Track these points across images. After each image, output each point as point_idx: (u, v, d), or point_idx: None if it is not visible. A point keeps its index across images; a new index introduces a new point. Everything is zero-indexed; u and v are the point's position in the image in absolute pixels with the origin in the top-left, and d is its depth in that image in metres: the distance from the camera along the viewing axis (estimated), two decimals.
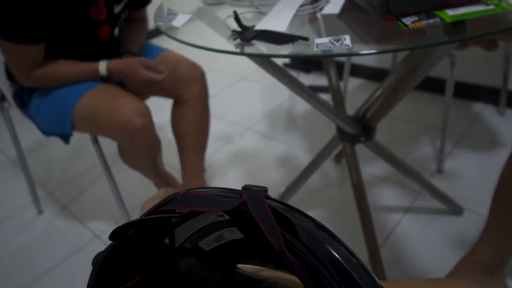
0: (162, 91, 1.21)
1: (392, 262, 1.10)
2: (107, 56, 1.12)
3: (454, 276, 0.97)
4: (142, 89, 1.10)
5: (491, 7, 0.57)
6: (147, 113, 1.06)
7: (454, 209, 1.23)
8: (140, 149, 1.11)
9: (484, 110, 1.67)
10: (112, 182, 1.21)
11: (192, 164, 1.25)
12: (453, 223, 1.20)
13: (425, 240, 1.16)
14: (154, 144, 1.14)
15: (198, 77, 1.21)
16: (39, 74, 1.04)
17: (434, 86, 1.75)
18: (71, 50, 1.10)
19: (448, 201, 1.23)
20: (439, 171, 1.40)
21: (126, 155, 1.22)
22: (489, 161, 1.40)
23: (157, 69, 1.07)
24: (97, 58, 1.09)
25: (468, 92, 1.71)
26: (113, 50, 1.19)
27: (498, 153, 1.42)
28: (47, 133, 1.16)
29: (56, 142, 1.84)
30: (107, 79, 1.09)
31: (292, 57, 0.61)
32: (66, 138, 1.15)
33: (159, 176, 1.29)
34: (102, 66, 1.07)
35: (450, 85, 1.29)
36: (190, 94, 1.21)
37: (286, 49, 0.66)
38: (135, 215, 1.37)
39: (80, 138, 1.49)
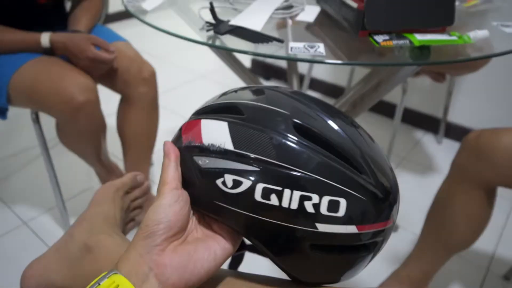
0: (109, 83, 1.12)
1: None
2: (45, 24, 1.02)
3: None
4: (87, 70, 1.01)
5: (454, 38, 0.61)
6: (92, 88, 0.98)
7: None
8: (83, 128, 1.02)
9: (424, 137, 1.79)
10: (50, 166, 1.12)
11: (136, 166, 1.19)
12: (389, 239, 1.26)
13: None
14: (98, 123, 1.04)
15: (147, 77, 1.13)
16: None
17: (384, 109, 1.85)
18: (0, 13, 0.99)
19: None
20: None
21: (65, 135, 1.09)
22: (425, 184, 1.50)
23: (107, 48, 1.00)
24: (31, 26, 0.99)
25: (412, 118, 1.83)
26: (54, 18, 1.08)
27: (433, 177, 1.53)
28: None
29: None
30: (49, 53, 1.00)
31: (270, 57, 0.61)
32: (1, 112, 1.04)
33: (102, 163, 1.19)
34: (45, 38, 0.97)
35: (400, 110, 1.37)
36: (137, 94, 1.13)
37: (259, 48, 0.66)
38: (71, 204, 1.28)
39: (16, 116, 1.36)
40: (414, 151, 1.70)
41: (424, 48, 0.62)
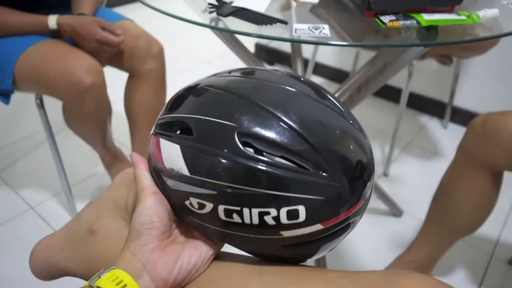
0: (117, 62, 1.12)
1: (333, 258, 1.14)
2: (46, 4, 1.02)
3: None
4: (94, 52, 1.01)
5: (463, 17, 0.60)
6: (99, 71, 0.98)
7: (395, 211, 1.30)
8: (89, 110, 1.02)
9: (430, 122, 1.78)
10: (56, 151, 1.12)
11: (143, 143, 1.19)
12: (393, 224, 1.27)
13: (365, 238, 1.21)
14: (104, 107, 1.05)
15: (155, 53, 1.13)
16: None
17: (389, 94, 1.83)
18: None
19: (391, 203, 1.29)
20: (385, 174, 1.47)
21: (72, 118, 1.10)
22: (430, 169, 1.49)
23: (114, 31, 1.00)
24: (32, 6, 0.99)
25: (418, 103, 1.81)
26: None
27: (438, 162, 1.52)
28: None
29: None
30: (56, 36, 0.99)
31: (274, 39, 0.60)
32: (6, 96, 1.04)
33: (107, 148, 1.20)
34: (52, 20, 0.97)
35: (405, 95, 1.35)
36: (146, 70, 1.13)
37: (263, 30, 0.65)
38: (77, 189, 1.29)
39: (21, 101, 1.37)
40: (419, 136, 1.68)
41: (432, 29, 0.61)
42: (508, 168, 0.82)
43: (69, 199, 1.20)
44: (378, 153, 1.58)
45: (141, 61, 1.12)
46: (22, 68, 0.96)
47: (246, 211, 0.33)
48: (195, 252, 0.37)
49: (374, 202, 1.32)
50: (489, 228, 1.16)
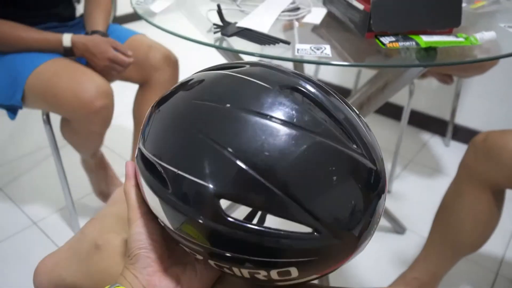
0: (127, 75, 1.15)
1: (336, 275, 1.13)
2: (50, 4, 1.05)
3: None
4: (106, 70, 1.03)
5: (461, 39, 0.61)
6: (110, 94, 0.99)
7: (398, 228, 1.29)
8: (94, 129, 1.04)
9: (431, 139, 1.78)
10: (60, 167, 1.13)
11: None
12: (396, 241, 1.26)
13: (368, 255, 1.20)
14: (108, 125, 1.07)
15: (171, 63, 1.16)
16: None
17: (391, 111, 1.84)
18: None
19: (393, 220, 1.29)
20: (388, 191, 1.47)
21: (73, 132, 1.10)
22: (432, 186, 1.49)
23: (125, 52, 1.02)
24: (36, 6, 1.02)
25: (419, 120, 1.82)
26: (66, 12, 1.11)
27: (440, 180, 1.52)
28: None
29: None
30: (69, 53, 1.02)
31: (276, 58, 0.61)
32: (13, 111, 1.06)
33: (94, 155, 1.22)
34: (67, 38, 1.00)
35: (406, 112, 1.36)
36: (160, 79, 1.15)
37: (265, 50, 0.66)
38: (80, 205, 1.29)
39: (26, 116, 1.38)
40: (421, 154, 1.69)
41: (431, 50, 0.62)
42: (510, 186, 0.82)
43: (72, 214, 1.20)
44: None
45: (156, 70, 1.14)
46: (32, 84, 0.98)
47: (235, 269, 0.32)
48: (195, 276, 0.36)
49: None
50: (494, 246, 1.15)
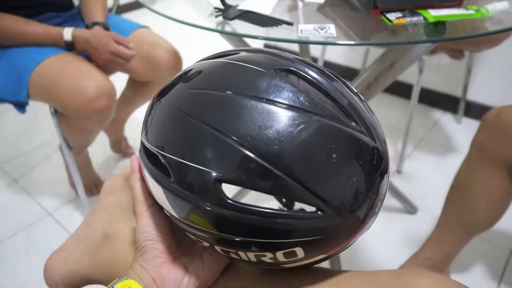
0: (133, 69, 1.14)
1: (348, 257, 1.13)
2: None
3: None
4: (107, 64, 1.02)
5: (471, 11, 0.59)
6: (112, 94, 0.99)
7: (409, 208, 1.28)
8: (90, 127, 1.05)
9: (443, 117, 1.75)
10: (70, 158, 1.14)
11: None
12: (407, 221, 1.25)
13: (380, 236, 1.20)
14: (105, 125, 1.08)
15: (174, 66, 1.14)
16: None
17: (400, 90, 1.81)
18: None
19: (405, 200, 1.28)
20: (398, 171, 1.45)
21: (70, 127, 1.09)
22: (444, 165, 1.47)
23: (127, 45, 1.01)
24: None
25: (430, 98, 1.79)
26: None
27: (453, 158, 1.50)
28: (0, 100, 1.07)
29: (9, 112, 1.72)
30: (70, 47, 1.01)
31: (280, 40, 0.60)
32: (21, 106, 1.07)
33: (80, 153, 1.23)
34: (67, 32, 0.99)
35: (416, 90, 1.34)
36: (162, 75, 1.16)
37: (269, 33, 0.65)
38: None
39: (37, 109, 1.40)
40: (433, 132, 1.66)
41: (439, 24, 0.60)
42: None
43: (85, 205, 1.22)
44: (391, 150, 1.56)
45: (158, 70, 1.13)
46: (36, 81, 0.98)
47: (242, 253, 0.33)
48: (203, 266, 0.36)
49: (388, 200, 1.31)
50: (508, 224, 1.14)
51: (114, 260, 0.42)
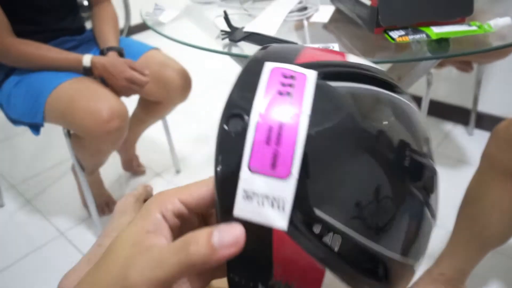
0: (146, 92, 1.17)
1: None
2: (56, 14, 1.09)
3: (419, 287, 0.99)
4: (123, 90, 1.06)
5: (474, 28, 0.59)
6: (125, 115, 1.02)
7: None
8: (103, 148, 1.08)
9: (454, 129, 1.74)
10: (83, 178, 1.17)
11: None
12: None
13: None
14: (117, 146, 1.11)
15: (183, 85, 1.18)
16: (19, 49, 1.00)
17: None
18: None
19: None
20: None
21: (83, 148, 1.12)
22: (457, 178, 1.45)
23: (142, 72, 1.04)
24: (42, 13, 1.07)
25: (440, 111, 1.78)
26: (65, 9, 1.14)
27: (465, 171, 1.48)
28: (16, 121, 1.11)
29: (24, 133, 1.76)
30: (88, 73, 1.05)
31: None
32: (36, 128, 1.10)
33: (92, 174, 1.25)
34: (87, 58, 1.03)
35: (426, 103, 1.33)
36: (170, 101, 1.19)
37: None
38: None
39: (50, 131, 1.43)
40: (444, 144, 1.65)
41: (443, 40, 0.60)
42: None
43: (97, 224, 1.23)
44: None
45: (169, 91, 1.17)
46: (52, 104, 1.01)
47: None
48: None
49: None
50: None
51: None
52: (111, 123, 0.97)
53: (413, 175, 0.27)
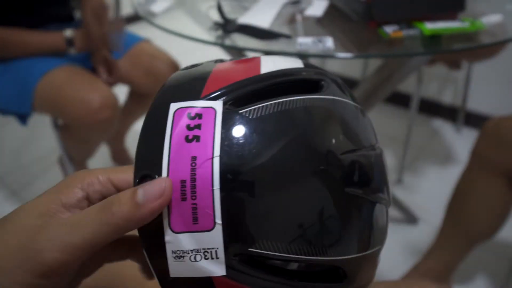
0: (132, 82, 1.15)
1: None
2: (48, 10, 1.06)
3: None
4: (100, 63, 1.03)
5: (466, 24, 0.60)
6: (116, 105, 1.00)
7: (410, 218, 1.28)
8: (95, 138, 1.06)
9: (443, 127, 1.76)
10: (72, 170, 1.15)
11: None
12: (408, 232, 1.25)
13: None
14: (107, 137, 1.09)
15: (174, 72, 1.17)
16: None
17: (399, 100, 1.82)
18: None
19: (405, 210, 1.28)
20: (399, 181, 1.45)
21: (72, 137, 1.10)
22: (445, 174, 1.47)
23: (114, 67, 1.02)
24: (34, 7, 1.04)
25: (430, 108, 1.79)
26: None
27: (453, 167, 1.50)
28: (3, 111, 1.08)
29: (10, 124, 1.73)
30: (71, 44, 1.01)
31: (280, 54, 0.61)
32: (24, 118, 1.07)
33: (80, 166, 1.23)
34: (69, 30, 1.00)
35: (416, 100, 1.35)
36: None
37: (268, 46, 0.66)
38: None
39: (37, 122, 1.41)
40: (433, 142, 1.66)
41: (435, 36, 0.61)
42: None
43: None
44: (391, 160, 1.56)
45: (158, 79, 1.14)
46: (40, 92, 0.99)
47: None
48: None
49: (389, 210, 1.31)
50: (510, 233, 1.14)
51: (118, 272, 0.42)
52: (101, 112, 0.96)
53: (349, 178, 0.25)
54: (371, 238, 0.27)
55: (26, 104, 1.01)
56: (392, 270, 1.12)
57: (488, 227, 0.89)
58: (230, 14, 0.75)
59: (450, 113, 1.76)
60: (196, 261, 0.22)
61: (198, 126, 0.23)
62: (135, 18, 2.91)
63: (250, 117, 0.23)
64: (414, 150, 1.60)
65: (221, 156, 0.22)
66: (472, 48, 0.58)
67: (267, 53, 0.66)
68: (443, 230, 0.96)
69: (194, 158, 0.22)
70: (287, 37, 0.65)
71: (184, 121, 0.23)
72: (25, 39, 1.00)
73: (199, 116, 0.23)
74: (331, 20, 0.75)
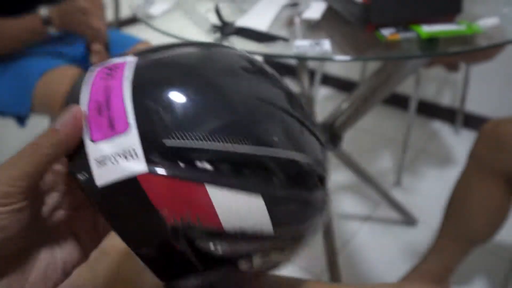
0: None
1: (349, 269, 1.13)
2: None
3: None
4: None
5: (462, 27, 0.60)
6: None
7: (409, 220, 1.28)
8: None
9: (441, 128, 1.76)
10: None
11: None
12: (407, 233, 1.25)
13: (380, 248, 1.20)
14: None
15: None
16: None
17: (398, 102, 1.82)
18: None
19: (404, 212, 1.28)
20: (398, 183, 1.45)
21: None
22: (444, 176, 1.47)
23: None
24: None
25: (428, 109, 1.80)
26: None
27: (452, 169, 1.50)
28: (2, 113, 1.08)
29: (9, 124, 1.73)
30: (48, 23, 0.96)
31: (278, 56, 0.61)
32: (22, 119, 1.08)
33: None
34: (44, 10, 0.95)
35: (414, 102, 1.35)
36: None
37: (265, 48, 0.66)
38: None
39: (37, 122, 1.41)
40: (431, 143, 1.67)
41: (432, 39, 0.61)
42: None
43: None
44: (389, 162, 1.57)
45: None
46: (39, 93, 0.99)
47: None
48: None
49: (388, 212, 1.31)
50: (509, 235, 1.14)
51: (112, 275, 0.42)
52: None
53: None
54: (301, 140, 0.29)
55: (25, 104, 1.01)
56: (390, 272, 1.12)
57: (486, 229, 0.89)
58: (228, 17, 0.75)
59: (448, 115, 1.76)
60: (117, 163, 0.24)
61: (114, 68, 0.28)
62: (133, 20, 2.92)
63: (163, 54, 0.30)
64: (412, 152, 1.61)
65: (133, 76, 0.27)
66: (469, 51, 0.58)
67: (265, 55, 0.66)
68: (441, 232, 0.96)
69: (108, 82, 0.27)
70: (285, 40, 0.66)
71: (103, 71, 0.28)
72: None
73: (116, 66, 0.28)
74: (329, 23, 0.76)
